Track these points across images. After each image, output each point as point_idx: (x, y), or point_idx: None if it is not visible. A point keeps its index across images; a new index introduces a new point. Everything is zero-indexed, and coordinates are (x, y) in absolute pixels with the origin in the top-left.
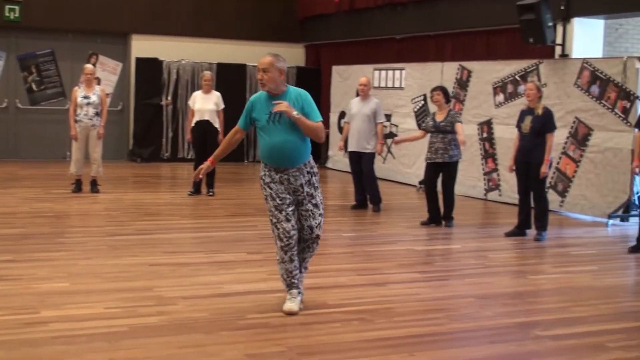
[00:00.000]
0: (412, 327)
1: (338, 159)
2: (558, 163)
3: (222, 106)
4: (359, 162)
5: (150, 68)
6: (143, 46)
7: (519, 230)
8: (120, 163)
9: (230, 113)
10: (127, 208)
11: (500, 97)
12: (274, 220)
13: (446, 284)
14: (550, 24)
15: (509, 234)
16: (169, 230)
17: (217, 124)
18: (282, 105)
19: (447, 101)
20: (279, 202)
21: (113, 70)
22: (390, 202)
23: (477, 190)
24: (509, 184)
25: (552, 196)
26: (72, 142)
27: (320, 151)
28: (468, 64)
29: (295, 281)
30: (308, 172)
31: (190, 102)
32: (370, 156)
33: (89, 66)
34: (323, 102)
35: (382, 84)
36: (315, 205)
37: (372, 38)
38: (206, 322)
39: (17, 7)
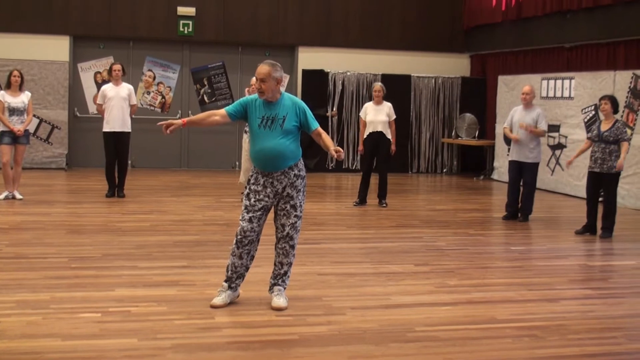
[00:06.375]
0: (587, 345)
1: (504, 171)
2: None
3: (393, 117)
4: (519, 172)
5: (316, 80)
6: (309, 58)
7: None
8: None
9: (395, 124)
10: None
11: None
12: (240, 217)
13: (623, 302)
14: None
15: None
16: (336, 240)
17: (389, 135)
18: (341, 154)
19: (615, 111)
20: (252, 202)
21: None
22: (560, 216)
23: None
24: None
25: None
26: (241, 152)
27: (485, 162)
28: None
29: (234, 277)
30: (294, 175)
31: (361, 114)
32: (533, 166)
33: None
34: (489, 113)
35: (550, 94)
36: (293, 207)
37: (539, 47)
38: (375, 333)
39: (190, 22)
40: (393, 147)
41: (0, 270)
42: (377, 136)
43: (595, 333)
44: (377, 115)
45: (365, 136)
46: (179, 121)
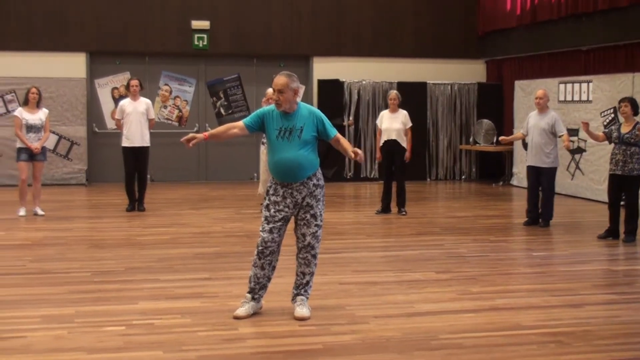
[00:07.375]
0: (613, 351)
1: (523, 177)
2: None
3: (409, 124)
4: (537, 177)
5: (332, 89)
6: (324, 68)
7: None
8: None
9: (412, 132)
10: None
11: None
12: (261, 228)
13: None
14: None
15: None
16: (357, 249)
17: (404, 143)
18: (359, 156)
19: (635, 113)
20: (272, 213)
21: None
22: (581, 220)
23: None
24: None
25: None
26: (259, 164)
27: (504, 168)
28: None
29: (257, 288)
30: (314, 185)
31: (377, 122)
32: (551, 171)
33: (270, 90)
34: (506, 118)
35: (568, 98)
36: (313, 216)
37: (556, 51)
38: (398, 341)
39: (205, 36)
40: (408, 155)
41: (24, 286)
42: (392, 144)
43: (622, 338)
44: (392, 124)
45: (381, 144)
46: (201, 135)
